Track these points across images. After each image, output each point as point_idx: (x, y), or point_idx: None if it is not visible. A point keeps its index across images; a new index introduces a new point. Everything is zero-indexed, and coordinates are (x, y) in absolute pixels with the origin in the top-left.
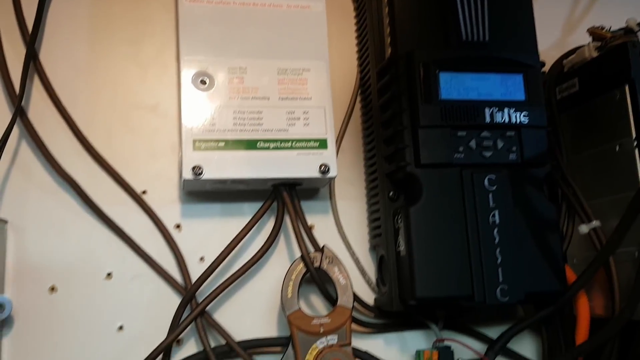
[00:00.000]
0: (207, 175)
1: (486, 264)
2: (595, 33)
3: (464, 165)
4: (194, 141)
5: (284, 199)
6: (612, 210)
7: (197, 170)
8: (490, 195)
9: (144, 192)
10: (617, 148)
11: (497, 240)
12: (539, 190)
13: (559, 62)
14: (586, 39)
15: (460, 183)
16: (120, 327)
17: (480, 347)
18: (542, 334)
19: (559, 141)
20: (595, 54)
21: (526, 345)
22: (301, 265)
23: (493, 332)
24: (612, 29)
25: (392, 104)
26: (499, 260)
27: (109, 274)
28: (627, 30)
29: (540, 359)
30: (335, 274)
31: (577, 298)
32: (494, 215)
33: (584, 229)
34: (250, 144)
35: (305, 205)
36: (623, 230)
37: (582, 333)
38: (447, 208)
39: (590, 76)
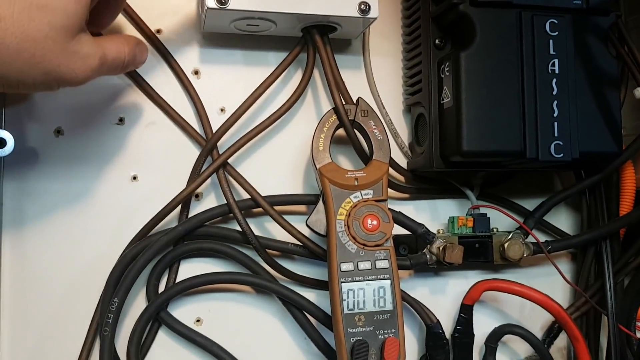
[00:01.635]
0: (233, 4)
1: (541, 117)
2: None
3: (524, 6)
4: None
5: (316, 43)
6: None
7: None
8: (551, 41)
9: (158, 31)
10: None
11: (554, 91)
12: (602, 42)
13: None
14: None
15: (518, 26)
16: (134, 177)
17: (516, 218)
18: (582, 207)
19: None
20: None
21: (563, 220)
22: (334, 116)
23: (530, 205)
24: None
25: None
26: (556, 114)
27: (120, 119)
28: None
29: (577, 232)
30: (371, 127)
31: (623, 168)
32: (553, 64)
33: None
34: None
35: (336, 59)
36: None
37: (626, 204)
38: (503, 54)
39: None
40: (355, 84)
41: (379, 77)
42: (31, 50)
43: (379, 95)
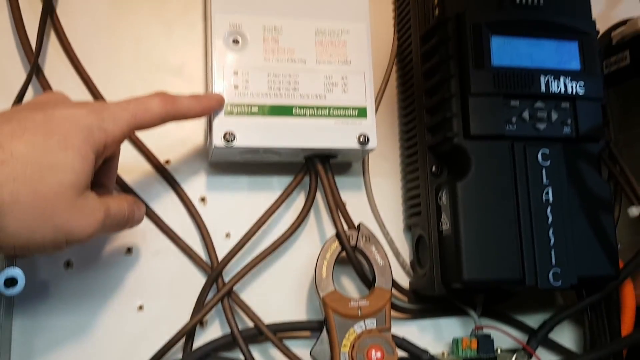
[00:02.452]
0: (239, 142)
1: (538, 245)
2: None
3: (516, 137)
4: (226, 105)
5: (318, 171)
6: None
7: (228, 137)
8: (544, 171)
9: (167, 162)
10: None
11: (550, 219)
12: (593, 168)
13: (606, 35)
14: (632, 11)
15: (511, 157)
16: (140, 307)
17: (519, 336)
18: (585, 324)
19: (606, 117)
20: None
21: (566, 336)
22: (336, 243)
23: (532, 321)
24: None
25: (439, 70)
26: (552, 242)
27: (129, 249)
28: None
29: (581, 349)
30: (373, 253)
31: (623, 286)
32: (547, 193)
33: (634, 211)
34: (286, 110)
35: (337, 181)
36: None
37: (627, 323)
38: (497, 184)
39: None
40: (357, 204)
41: (380, 197)
42: (42, 207)
43: (379, 216)
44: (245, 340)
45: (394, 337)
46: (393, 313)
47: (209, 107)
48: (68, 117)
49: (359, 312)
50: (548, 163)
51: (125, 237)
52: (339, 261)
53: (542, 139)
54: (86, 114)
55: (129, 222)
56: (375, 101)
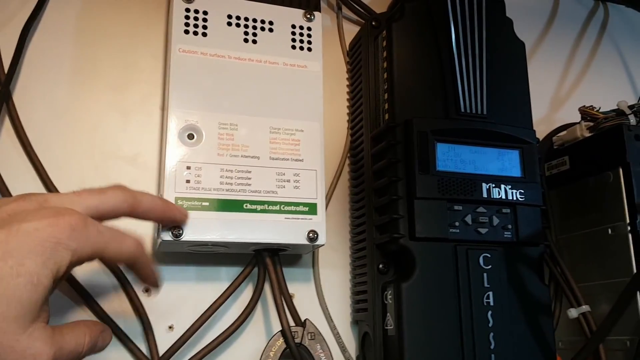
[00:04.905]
0: (187, 237)
1: (479, 350)
2: (586, 112)
3: (459, 241)
4: (176, 199)
5: (267, 265)
6: (602, 295)
7: (176, 232)
8: (485, 275)
9: None
10: (610, 231)
11: (490, 323)
12: (533, 271)
13: (548, 138)
14: (573, 115)
15: (454, 260)
16: None
17: None
18: None
19: (548, 219)
20: (587, 134)
21: None
22: (281, 340)
23: None
24: (601, 109)
25: (387, 172)
26: (492, 346)
27: None
28: (619, 113)
29: None
30: (317, 351)
31: None
32: (488, 297)
33: (573, 313)
34: (237, 205)
35: (286, 272)
36: (615, 318)
37: None
38: (441, 286)
39: (582, 155)
40: (305, 297)
41: (328, 289)
42: None
43: (327, 308)
44: None
45: None
46: None
47: (171, 219)
48: (33, 233)
49: None
50: (489, 267)
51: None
52: (284, 356)
53: (484, 242)
54: (56, 229)
55: (91, 351)
56: (327, 197)
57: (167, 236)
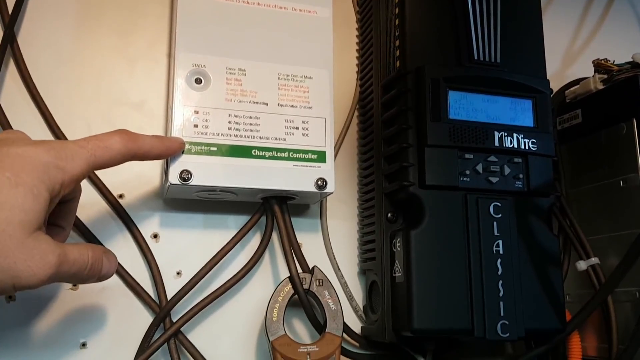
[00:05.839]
0: (195, 181)
1: (488, 297)
2: (600, 65)
3: (470, 189)
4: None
5: (275, 212)
6: (611, 248)
7: (185, 175)
8: (495, 224)
9: (120, 196)
10: (622, 184)
11: (499, 271)
12: (543, 222)
13: (560, 93)
14: (586, 71)
15: (464, 208)
16: (84, 344)
17: None
18: None
19: (558, 172)
20: (600, 86)
21: None
22: (289, 286)
23: None
24: (616, 62)
25: (397, 120)
26: (501, 294)
27: (74, 284)
28: (634, 65)
29: None
30: (325, 298)
31: (570, 338)
32: (497, 245)
33: (582, 265)
34: (245, 151)
35: (294, 222)
36: (625, 270)
37: None
38: (450, 234)
39: (595, 108)
40: (313, 247)
41: (336, 240)
42: None
43: (334, 258)
44: None
45: None
46: (344, 358)
47: (171, 149)
48: (23, 154)
49: (308, 358)
50: (499, 216)
51: None
52: (291, 304)
53: (494, 192)
54: (43, 152)
55: (94, 272)
56: (335, 146)
57: (175, 180)
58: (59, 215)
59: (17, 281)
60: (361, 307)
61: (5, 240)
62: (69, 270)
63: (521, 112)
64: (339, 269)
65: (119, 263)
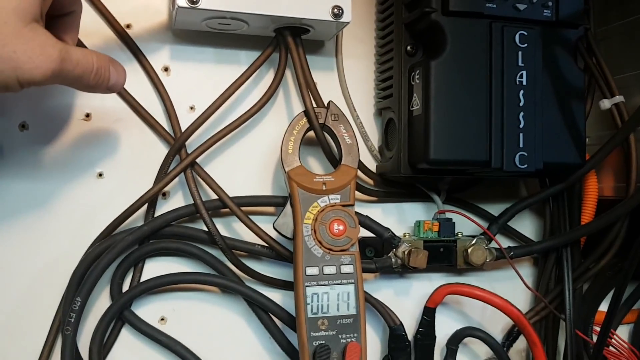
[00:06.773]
0: (204, 4)
1: (507, 128)
2: None
3: (495, 17)
4: None
5: (289, 45)
6: (636, 86)
7: None
8: (520, 53)
9: (128, 26)
10: None
11: (521, 103)
12: (570, 55)
13: None
14: None
15: (488, 37)
16: (100, 174)
17: (481, 222)
18: (545, 214)
19: (587, 4)
20: None
21: (527, 226)
22: (304, 119)
23: (494, 210)
24: None
25: None
26: (522, 125)
27: (87, 115)
28: None
29: (540, 238)
30: (341, 132)
31: (586, 178)
32: (521, 76)
33: (606, 104)
34: None
35: (308, 60)
36: None
37: (588, 212)
38: (472, 64)
39: None
40: (327, 86)
41: (351, 80)
42: None
43: (350, 98)
44: (207, 210)
45: (357, 214)
46: (358, 195)
47: None
48: None
49: (324, 187)
50: (525, 45)
51: (81, 99)
52: (306, 142)
53: (521, 20)
54: None
55: (101, 79)
56: None
57: (183, 2)
58: (60, 29)
59: (20, 73)
60: (376, 148)
61: (1, 27)
62: (73, 70)
63: None
64: (355, 109)
65: (131, 95)
